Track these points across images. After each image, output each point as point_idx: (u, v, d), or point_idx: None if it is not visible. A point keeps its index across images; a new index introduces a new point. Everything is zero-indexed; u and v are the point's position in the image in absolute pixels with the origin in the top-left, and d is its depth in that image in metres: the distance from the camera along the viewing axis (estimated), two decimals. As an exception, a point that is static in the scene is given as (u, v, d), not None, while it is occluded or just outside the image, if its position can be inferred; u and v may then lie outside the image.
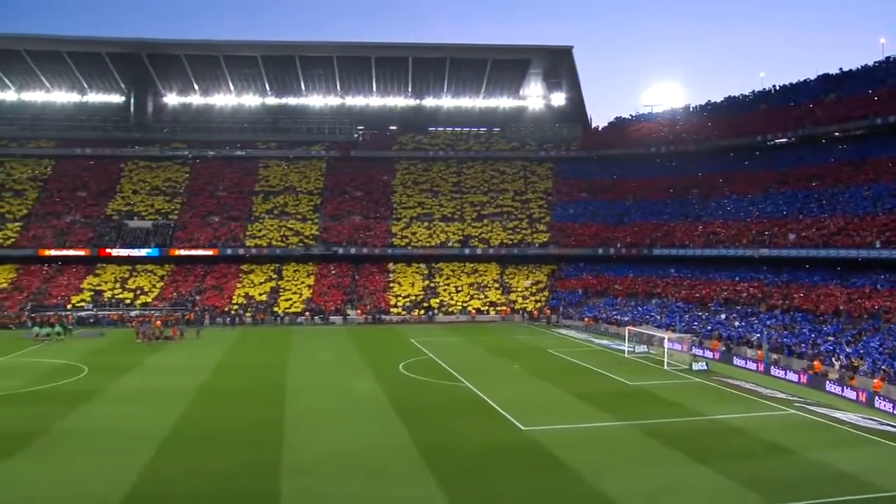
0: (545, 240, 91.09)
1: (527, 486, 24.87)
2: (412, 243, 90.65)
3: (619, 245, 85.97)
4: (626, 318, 69.77)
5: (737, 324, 60.67)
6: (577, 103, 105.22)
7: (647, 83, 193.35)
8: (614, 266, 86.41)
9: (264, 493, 24.16)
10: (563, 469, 26.73)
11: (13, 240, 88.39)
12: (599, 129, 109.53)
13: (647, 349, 56.68)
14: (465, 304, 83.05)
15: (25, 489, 24.77)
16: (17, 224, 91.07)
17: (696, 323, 63.96)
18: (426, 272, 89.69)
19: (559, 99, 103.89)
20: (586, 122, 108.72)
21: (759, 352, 51.60)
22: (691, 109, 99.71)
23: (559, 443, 30.03)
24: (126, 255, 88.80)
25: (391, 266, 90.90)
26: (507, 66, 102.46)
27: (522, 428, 32.67)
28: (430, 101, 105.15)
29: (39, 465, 27.28)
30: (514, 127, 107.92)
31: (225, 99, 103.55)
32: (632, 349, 56.56)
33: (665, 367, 49.59)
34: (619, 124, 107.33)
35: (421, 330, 72.73)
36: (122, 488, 24.29)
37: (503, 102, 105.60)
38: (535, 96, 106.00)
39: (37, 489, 24.81)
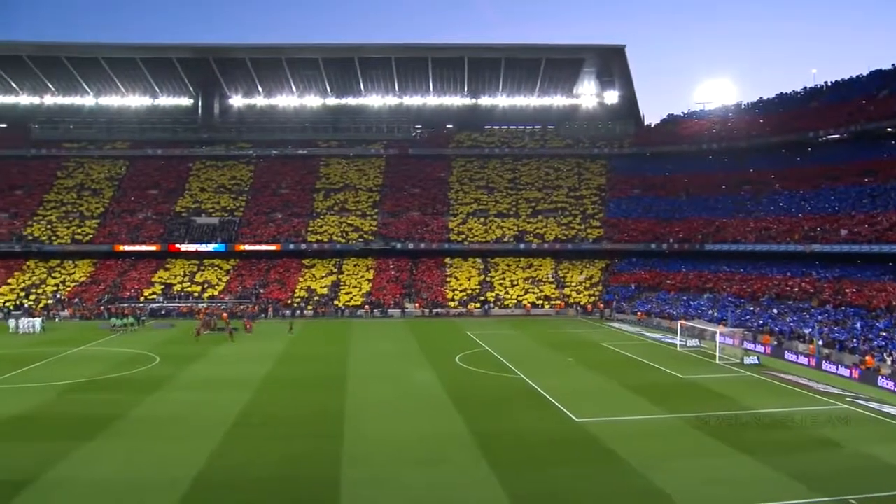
0: (599, 235, 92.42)
1: (580, 477, 25.25)
2: (468, 238, 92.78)
3: (671, 240, 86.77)
4: (678, 313, 70.50)
5: (788, 319, 60.79)
6: (629, 101, 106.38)
7: (699, 80, 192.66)
8: (667, 261, 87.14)
9: (325, 480, 24.72)
10: (615, 460, 26.90)
11: (91, 236, 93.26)
12: (652, 126, 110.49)
13: (698, 343, 56.77)
14: (519, 298, 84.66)
15: (103, 471, 25.91)
16: (94, 221, 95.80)
17: (747, 317, 63.95)
18: (482, 267, 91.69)
19: (612, 97, 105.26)
20: (639, 120, 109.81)
21: (811, 347, 51.28)
22: (743, 106, 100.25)
23: (612, 434, 30.16)
24: (194, 250, 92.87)
25: (448, 261, 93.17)
26: (560, 64, 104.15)
27: (576, 419, 32.91)
28: (485, 100, 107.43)
29: (116, 449, 28.59)
30: (568, 124, 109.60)
31: (287, 100, 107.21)
32: (684, 343, 56.70)
33: (717, 361, 49.37)
34: (671, 121, 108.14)
35: (477, 323, 74.04)
36: (191, 472, 25.29)
37: (557, 101, 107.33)
38: (588, 94, 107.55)
39: (113, 471, 25.92)
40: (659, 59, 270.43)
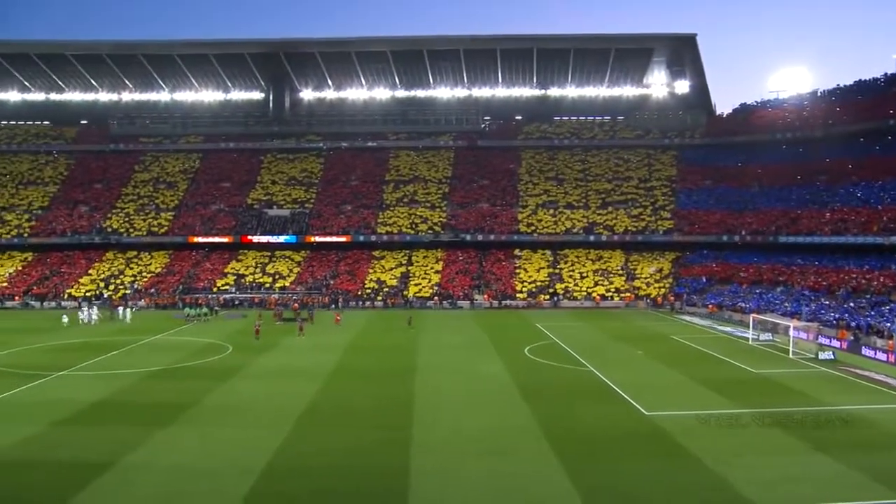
0: (669, 227, 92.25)
1: (648, 470, 25.02)
2: (538, 230, 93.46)
3: (743, 232, 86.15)
4: (750, 306, 69.81)
5: (866, 313, 59.58)
6: (700, 90, 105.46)
7: (773, 68, 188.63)
8: (739, 253, 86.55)
9: (394, 470, 24.94)
10: (684, 455, 26.65)
11: (166, 228, 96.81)
12: (724, 115, 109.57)
13: (771, 337, 55.51)
14: (589, 290, 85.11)
15: (178, 457, 26.62)
16: (169, 214, 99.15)
17: (822, 311, 63.14)
18: (551, 258, 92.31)
19: (683, 86, 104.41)
20: (710, 110, 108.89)
21: (890, 342, 49.90)
22: (819, 94, 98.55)
23: (682, 429, 29.87)
24: (265, 241, 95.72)
25: (517, 252, 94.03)
26: (630, 54, 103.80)
27: (645, 413, 32.70)
28: (554, 91, 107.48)
29: (190, 435, 29.39)
30: (638, 115, 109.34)
31: (357, 93, 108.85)
32: (756, 337, 55.73)
33: (790, 356, 48.25)
34: (743, 111, 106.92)
35: (546, 315, 74.47)
36: (263, 460, 25.83)
37: (627, 91, 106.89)
38: (658, 84, 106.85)
39: (188, 457, 26.64)
40: (731, 47, 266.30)
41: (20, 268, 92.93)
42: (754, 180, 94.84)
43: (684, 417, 31.89)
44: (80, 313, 68.68)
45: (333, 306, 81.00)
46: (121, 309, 72.80)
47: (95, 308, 70.66)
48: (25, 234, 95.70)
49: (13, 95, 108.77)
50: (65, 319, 65.06)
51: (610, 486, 23.68)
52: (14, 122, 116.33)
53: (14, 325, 65.68)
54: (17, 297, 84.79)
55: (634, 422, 31.46)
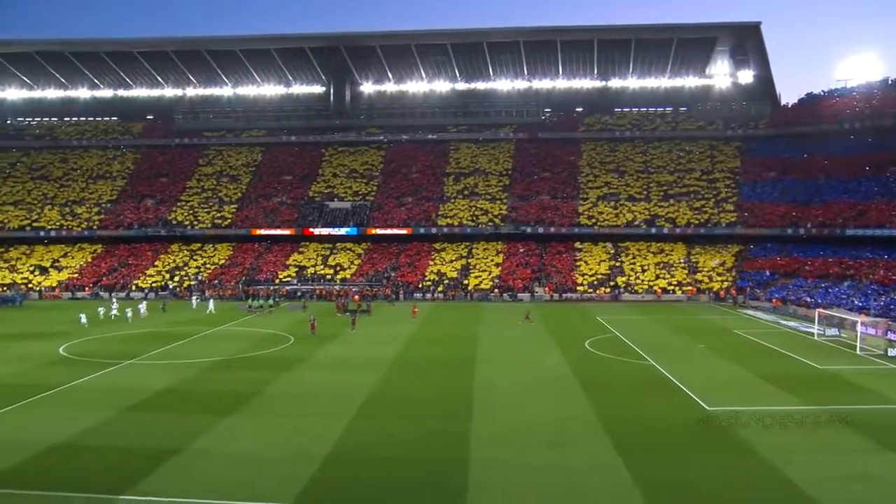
0: (732, 220, 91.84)
1: (710, 466, 24.98)
2: (599, 223, 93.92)
3: (809, 225, 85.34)
4: (816, 301, 69.22)
5: (939, 308, 59.14)
6: (765, 80, 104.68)
7: (841, 56, 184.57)
8: (805, 246, 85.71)
9: (454, 461, 25.25)
10: (747, 451, 26.37)
11: (230, 220, 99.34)
12: (789, 106, 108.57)
13: (838, 333, 54.55)
14: (650, 284, 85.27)
15: (242, 445, 27.44)
16: (232, 206, 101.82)
17: (892, 306, 62.35)
18: (612, 251, 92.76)
19: (747, 76, 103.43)
20: (775, 100, 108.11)
21: None
22: (890, 82, 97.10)
23: (745, 424, 29.52)
24: (327, 233, 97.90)
25: (578, 245, 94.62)
26: (692, 44, 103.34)
27: (707, 408, 32.40)
28: (615, 82, 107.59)
29: (253, 424, 30.20)
30: (701, 106, 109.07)
31: (417, 86, 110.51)
32: (822, 332, 54.72)
33: (857, 352, 47.35)
34: (810, 100, 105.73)
35: (606, 308, 74.72)
36: (324, 449, 26.47)
37: (689, 81, 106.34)
38: (721, 74, 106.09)
39: (251, 445, 27.36)
40: (797, 35, 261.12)
41: (90, 259, 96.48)
42: (821, 171, 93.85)
43: (747, 413, 31.30)
44: (109, 308, 67.89)
45: (394, 298, 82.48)
46: (193, 299, 77.18)
47: (116, 303, 70.73)
48: (95, 227, 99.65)
49: (83, 93, 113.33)
50: (83, 320, 61.44)
51: (670, 480, 23.79)
52: (84, 119, 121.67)
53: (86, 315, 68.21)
54: (87, 288, 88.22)
55: (696, 416, 31.24)
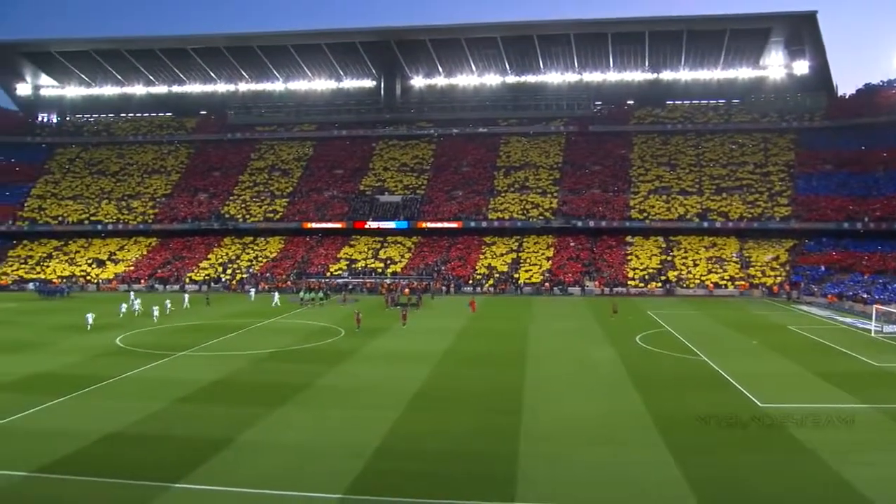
0: (786, 214, 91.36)
1: (761, 463, 24.52)
2: (650, 216, 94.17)
3: (867, 219, 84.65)
4: (873, 297, 68.16)
5: None
6: (821, 71, 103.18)
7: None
8: (862, 241, 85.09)
9: (503, 456, 25.17)
10: (801, 450, 25.90)
11: (281, 214, 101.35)
12: (846, 97, 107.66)
13: None
14: (702, 278, 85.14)
15: (293, 436, 27.79)
16: (284, 200, 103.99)
17: (954, 302, 62.07)
18: (664, 245, 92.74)
19: (802, 67, 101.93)
20: (831, 91, 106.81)
21: None
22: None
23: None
24: (377, 227, 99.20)
25: (629, 239, 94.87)
26: (746, 35, 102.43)
27: (760, 405, 31.81)
28: (667, 75, 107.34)
29: (304, 416, 30.56)
30: (754, 98, 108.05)
31: (467, 79, 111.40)
32: (879, 329, 53.36)
33: None
34: (868, 91, 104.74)
35: (658, 302, 74.70)
36: (374, 441, 26.55)
37: (742, 73, 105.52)
38: (776, 65, 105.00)
39: (302, 437, 27.69)
40: (854, 24, 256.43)
41: (145, 252, 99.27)
42: (879, 164, 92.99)
43: (800, 410, 30.70)
44: (130, 304, 66.24)
45: (444, 291, 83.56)
46: (252, 292, 79.65)
47: (138, 299, 69.10)
48: (150, 221, 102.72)
49: (139, 89, 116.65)
50: (123, 307, 63.16)
51: (721, 477, 23.60)
52: (139, 115, 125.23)
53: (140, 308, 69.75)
54: (142, 281, 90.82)
55: (748, 413, 30.58)
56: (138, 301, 67.89)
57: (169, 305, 66.28)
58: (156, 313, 60.17)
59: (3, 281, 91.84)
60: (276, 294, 74.80)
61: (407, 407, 31.79)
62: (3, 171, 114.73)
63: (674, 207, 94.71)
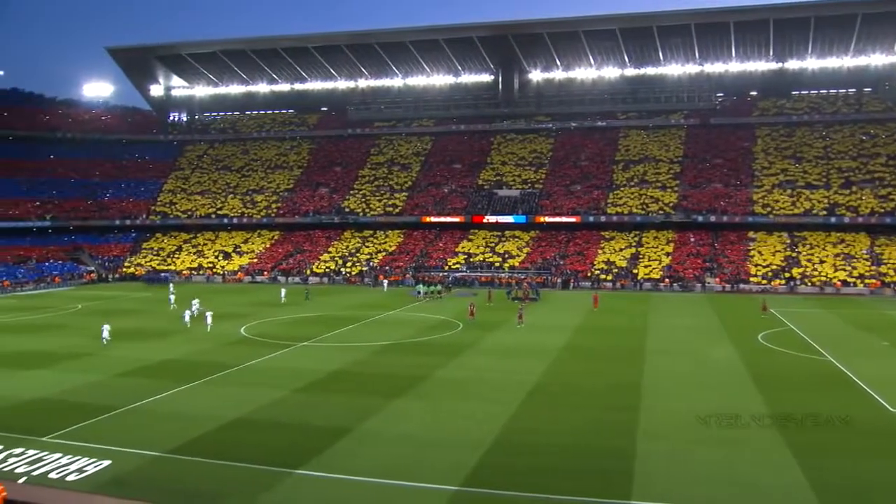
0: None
1: (891, 472, 23.97)
2: (774, 211, 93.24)
3: None
4: None
5: None
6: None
7: None
8: None
9: (620, 452, 25.48)
10: None
11: (400, 208, 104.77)
12: None
13: None
14: (829, 276, 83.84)
15: (410, 427, 28.78)
16: (403, 194, 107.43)
17: None
18: (788, 241, 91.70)
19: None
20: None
21: None
22: None
23: None
24: (495, 221, 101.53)
25: (751, 234, 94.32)
26: (879, 18, 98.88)
27: (890, 409, 30.98)
28: (792, 64, 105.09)
29: (421, 407, 31.68)
30: (888, 86, 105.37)
31: (585, 72, 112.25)
32: None
33: None
34: None
35: (781, 300, 73.32)
36: (491, 434, 27.33)
37: (875, 59, 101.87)
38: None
39: (419, 428, 28.71)
40: None
41: (268, 245, 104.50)
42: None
43: None
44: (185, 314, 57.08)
45: (562, 286, 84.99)
46: (385, 283, 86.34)
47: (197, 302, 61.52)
48: (273, 215, 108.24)
49: (263, 87, 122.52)
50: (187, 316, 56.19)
51: (847, 484, 23.06)
52: (263, 112, 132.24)
53: (263, 299, 73.82)
54: (265, 273, 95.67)
55: (877, 418, 30.01)
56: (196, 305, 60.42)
57: (283, 295, 71.72)
58: (209, 320, 54.00)
59: (139, 271, 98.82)
60: (385, 283, 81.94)
61: (524, 401, 32.58)
62: (138, 167, 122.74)
63: (799, 202, 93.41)
